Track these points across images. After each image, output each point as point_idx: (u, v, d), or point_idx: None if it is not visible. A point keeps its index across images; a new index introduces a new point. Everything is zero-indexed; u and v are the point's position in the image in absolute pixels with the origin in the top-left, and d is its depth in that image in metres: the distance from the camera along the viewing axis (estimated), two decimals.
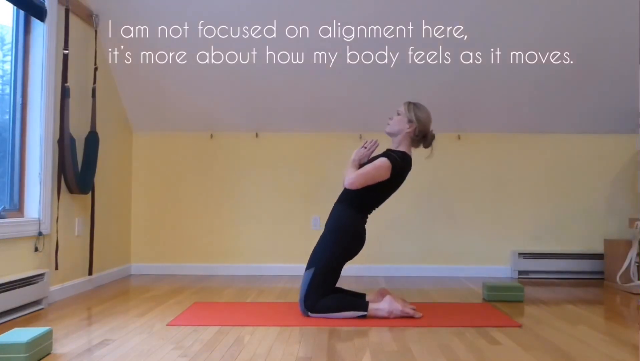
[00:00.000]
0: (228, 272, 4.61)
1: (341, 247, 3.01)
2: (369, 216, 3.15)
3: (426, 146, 3.16)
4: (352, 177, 2.96)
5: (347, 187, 2.99)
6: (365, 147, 3.08)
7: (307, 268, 3.00)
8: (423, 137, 3.11)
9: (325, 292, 2.96)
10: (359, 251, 3.08)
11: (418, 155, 4.61)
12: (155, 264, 4.63)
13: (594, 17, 3.86)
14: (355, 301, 2.96)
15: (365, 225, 3.12)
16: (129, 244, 4.63)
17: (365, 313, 2.92)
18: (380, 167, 2.97)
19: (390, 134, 3.13)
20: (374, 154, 3.13)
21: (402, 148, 3.10)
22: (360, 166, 3.05)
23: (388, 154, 3.04)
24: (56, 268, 3.37)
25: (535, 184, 4.66)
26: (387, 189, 3.06)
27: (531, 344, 2.43)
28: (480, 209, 4.64)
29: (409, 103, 3.11)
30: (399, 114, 3.11)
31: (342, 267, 3.03)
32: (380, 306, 2.93)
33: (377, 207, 3.14)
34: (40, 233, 3.20)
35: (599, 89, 4.34)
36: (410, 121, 3.07)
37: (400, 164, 3.01)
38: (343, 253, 3.01)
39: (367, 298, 3.08)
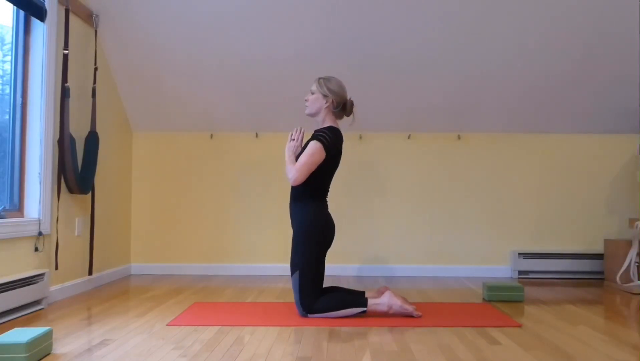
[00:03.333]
0: (228, 272, 4.61)
1: (314, 243, 3.00)
2: (327, 200, 3.14)
3: (348, 115, 3.16)
4: (293, 174, 2.97)
5: (294, 185, 3.00)
6: (294, 139, 3.08)
7: (291, 273, 3.01)
8: (343, 107, 3.12)
9: (318, 289, 2.97)
10: (332, 239, 3.09)
11: (417, 154, 4.63)
12: (155, 264, 4.63)
13: (594, 17, 3.86)
14: (355, 298, 2.97)
15: (328, 209, 3.11)
16: (129, 244, 4.64)
17: (364, 308, 2.92)
18: (314, 153, 2.97)
19: (312, 115, 3.14)
20: (304, 141, 3.12)
21: (327, 124, 3.10)
22: (297, 158, 3.05)
23: (315, 135, 3.03)
24: (56, 268, 3.37)
25: (535, 184, 4.66)
26: (328, 170, 3.06)
27: (531, 344, 2.43)
28: (480, 209, 4.64)
29: (319, 79, 3.12)
30: (312, 94, 3.11)
31: (323, 260, 3.03)
32: (379, 301, 2.94)
33: (328, 189, 3.13)
34: (40, 233, 3.20)
35: (599, 89, 4.34)
36: (325, 96, 3.07)
37: (330, 140, 3.00)
38: (318, 247, 3.01)
39: (367, 296, 3.07)
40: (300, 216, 3.04)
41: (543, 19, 3.88)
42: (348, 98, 3.14)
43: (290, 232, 4.59)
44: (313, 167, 2.97)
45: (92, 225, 3.79)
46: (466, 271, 4.59)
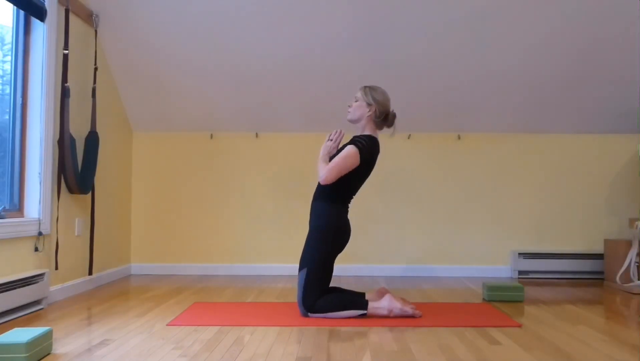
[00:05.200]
0: (228, 272, 4.61)
1: (328, 244, 3.01)
2: (349, 206, 3.14)
3: (389, 126, 3.17)
4: (324, 173, 2.96)
5: (323, 183, 2.99)
6: (331, 140, 3.08)
7: (299, 270, 3.01)
8: (385, 117, 3.12)
9: (322, 290, 2.97)
10: (346, 244, 3.09)
11: (417, 154, 4.64)
12: (155, 264, 4.63)
13: (594, 17, 3.86)
14: (355, 300, 2.97)
15: (348, 215, 3.11)
16: (129, 244, 4.64)
17: (365, 311, 2.92)
18: (348, 156, 2.97)
19: (353, 121, 3.14)
20: (341, 144, 3.13)
21: (367, 132, 3.10)
22: (331, 159, 3.05)
23: (354, 141, 3.03)
24: (56, 268, 3.37)
25: (535, 184, 4.66)
26: (359, 176, 3.06)
27: (531, 344, 2.43)
28: (480, 209, 4.64)
29: (365, 87, 3.13)
30: (357, 101, 3.12)
31: (333, 263, 3.04)
32: (380, 304, 2.94)
33: (354, 195, 3.14)
34: (40, 233, 3.20)
35: (599, 89, 4.34)
36: (369, 104, 3.08)
37: (368, 148, 3.01)
38: (331, 249, 3.02)
39: (367, 298, 3.07)
40: (320, 216, 3.05)
41: (543, 20, 3.88)
42: (391, 110, 3.14)
43: (290, 231, 4.62)
44: (344, 171, 2.97)
45: (92, 225, 3.80)
46: (466, 271, 4.59)
